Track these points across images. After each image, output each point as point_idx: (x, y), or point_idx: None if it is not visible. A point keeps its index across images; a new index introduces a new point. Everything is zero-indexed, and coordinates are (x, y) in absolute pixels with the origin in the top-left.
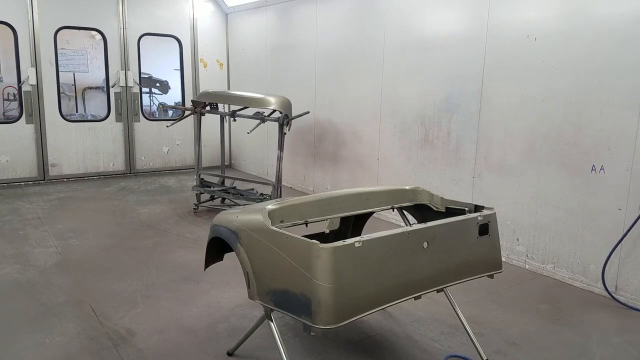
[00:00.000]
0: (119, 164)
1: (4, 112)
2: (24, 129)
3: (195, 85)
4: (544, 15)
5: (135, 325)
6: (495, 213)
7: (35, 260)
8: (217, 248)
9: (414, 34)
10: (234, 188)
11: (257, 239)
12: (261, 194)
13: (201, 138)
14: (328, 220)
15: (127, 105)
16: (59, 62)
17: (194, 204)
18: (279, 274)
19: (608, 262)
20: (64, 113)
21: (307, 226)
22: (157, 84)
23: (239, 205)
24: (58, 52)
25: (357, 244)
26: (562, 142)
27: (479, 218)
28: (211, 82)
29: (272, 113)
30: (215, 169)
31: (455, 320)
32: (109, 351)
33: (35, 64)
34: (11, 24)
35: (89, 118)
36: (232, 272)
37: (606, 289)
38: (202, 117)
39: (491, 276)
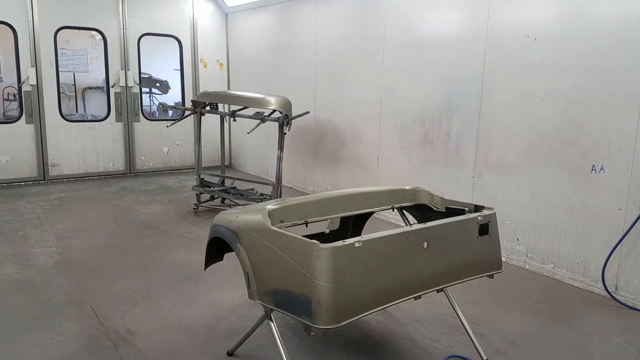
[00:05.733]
0: (119, 164)
1: (4, 112)
2: (24, 129)
3: (195, 85)
4: (544, 15)
5: (135, 325)
6: (495, 213)
7: (35, 260)
8: (217, 248)
9: (414, 33)
10: (234, 188)
11: (257, 239)
12: (261, 194)
13: (201, 138)
14: (328, 220)
15: (127, 105)
16: (59, 62)
17: (194, 204)
18: (279, 274)
19: (608, 262)
20: (64, 113)
21: (307, 226)
22: (157, 84)
23: (239, 205)
24: (58, 52)
25: (357, 244)
26: (562, 142)
27: (479, 218)
28: (211, 82)
29: (272, 113)
30: (215, 169)
31: (455, 320)
32: (109, 351)
33: (35, 64)
34: (11, 24)
35: (89, 118)
36: (232, 272)
37: (606, 289)
38: (202, 117)
39: (491, 276)
